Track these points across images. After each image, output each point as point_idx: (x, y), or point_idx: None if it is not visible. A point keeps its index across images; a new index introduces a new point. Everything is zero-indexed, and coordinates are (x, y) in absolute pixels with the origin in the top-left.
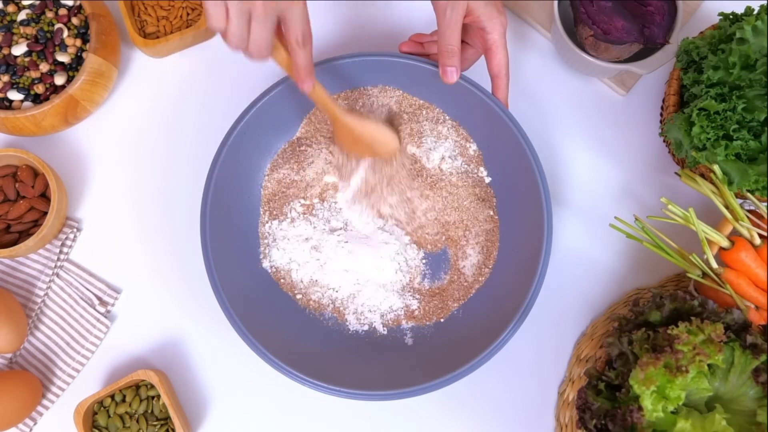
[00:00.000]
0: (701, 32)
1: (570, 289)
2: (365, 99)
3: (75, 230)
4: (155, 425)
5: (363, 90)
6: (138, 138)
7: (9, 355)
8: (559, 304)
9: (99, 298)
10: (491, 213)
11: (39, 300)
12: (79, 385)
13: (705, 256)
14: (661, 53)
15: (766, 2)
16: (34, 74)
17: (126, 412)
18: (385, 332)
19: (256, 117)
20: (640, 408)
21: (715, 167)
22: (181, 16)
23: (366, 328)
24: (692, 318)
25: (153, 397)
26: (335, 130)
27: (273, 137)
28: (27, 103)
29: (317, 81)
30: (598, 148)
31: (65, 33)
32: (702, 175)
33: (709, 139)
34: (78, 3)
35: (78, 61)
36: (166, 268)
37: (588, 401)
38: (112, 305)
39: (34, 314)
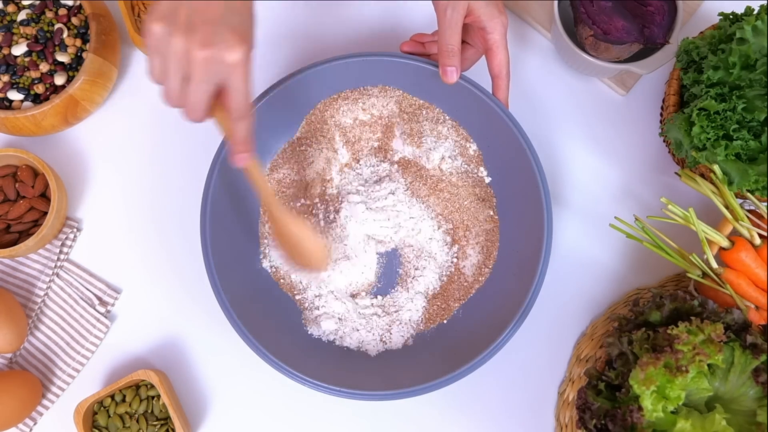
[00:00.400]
0: (701, 32)
1: (570, 289)
2: (365, 99)
3: (75, 230)
4: (155, 425)
5: (363, 90)
6: (138, 138)
7: (9, 355)
8: (559, 304)
9: (99, 298)
10: (491, 213)
11: (39, 300)
12: (79, 385)
13: (705, 256)
14: (661, 53)
15: (766, 2)
16: (34, 74)
17: (126, 412)
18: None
19: (257, 117)
20: (640, 408)
21: (715, 167)
22: None
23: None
24: (692, 318)
25: (153, 397)
26: (269, 217)
27: (273, 137)
28: (27, 103)
29: (256, 161)
30: (598, 148)
31: (65, 33)
32: (702, 175)
33: (709, 139)
34: (78, 3)
35: (78, 61)
36: (166, 268)
37: (588, 401)
38: (112, 305)
39: (34, 314)
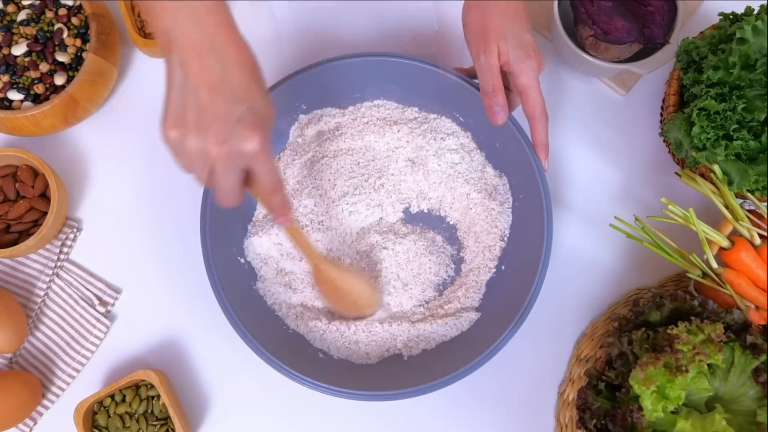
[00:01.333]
0: (701, 32)
1: (570, 289)
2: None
3: (75, 230)
4: (155, 425)
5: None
6: (138, 138)
7: (9, 355)
8: (559, 304)
9: (99, 298)
10: (491, 212)
11: (39, 300)
12: (79, 385)
13: (705, 256)
14: (661, 53)
15: (766, 2)
16: (34, 74)
17: (126, 412)
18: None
19: None
20: (640, 408)
21: (715, 167)
22: None
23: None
24: (692, 318)
25: (153, 397)
26: (314, 274)
27: (273, 136)
28: (27, 103)
29: (296, 224)
30: (598, 148)
31: (65, 33)
32: (702, 175)
33: (709, 139)
34: (78, 3)
35: (78, 61)
36: (166, 268)
37: (588, 401)
38: (112, 305)
39: (34, 314)
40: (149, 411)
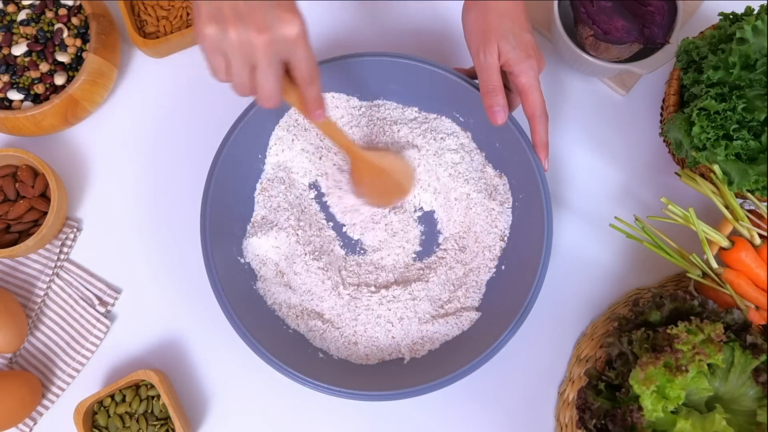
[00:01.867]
0: (701, 32)
1: (570, 289)
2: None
3: (75, 230)
4: (155, 425)
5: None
6: (138, 138)
7: (9, 355)
8: (559, 304)
9: (99, 298)
10: (492, 213)
11: (39, 300)
12: (79, 385)
13: (705, 256)
14: (661, 53)
15: (766, 2)
16: (34, 74)
17: (126, 412)
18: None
19: (257, 117)
20: (640, 408)
21: (715, 167)
22: (181, 16)
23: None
24: (692, 318)
25: (153, 397)
26: (354, 166)
27: (270, 120)
28: (27, 103)
29: (329, 116)
30: (598, 148)
31: (65, 33)
32: (702, 175)
33: (709, 139)
34: (78, 3)
35: (78, 61)
36: (166, 268)
37: (588, 401)
38: (112, 305)
39: (34, 314)
40: (149, 411)
